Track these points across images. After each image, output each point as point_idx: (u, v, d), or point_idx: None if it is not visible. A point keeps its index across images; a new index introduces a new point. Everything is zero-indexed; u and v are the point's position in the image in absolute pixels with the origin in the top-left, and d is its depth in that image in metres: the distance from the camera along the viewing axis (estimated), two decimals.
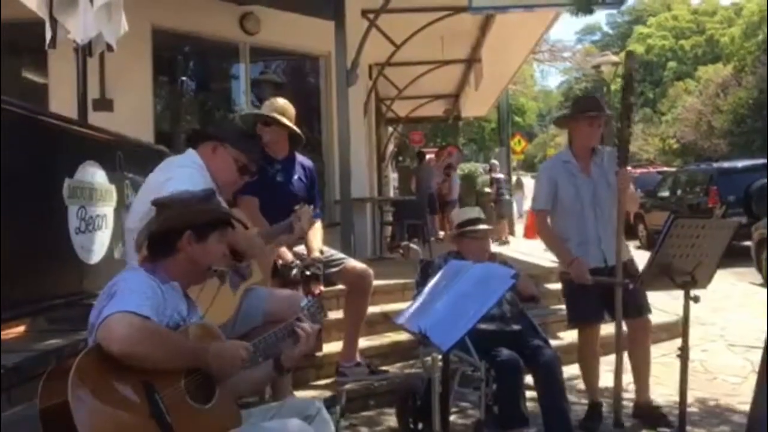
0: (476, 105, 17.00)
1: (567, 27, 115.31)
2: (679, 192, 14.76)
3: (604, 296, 4.06)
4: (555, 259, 5.16)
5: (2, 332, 3.19)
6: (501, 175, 16.09)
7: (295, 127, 4.27)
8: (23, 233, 3.02)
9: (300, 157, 4.47)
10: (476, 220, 4.08)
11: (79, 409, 1.84)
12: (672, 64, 46.64)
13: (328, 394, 4.32)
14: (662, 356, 5.23)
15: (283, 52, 8.66)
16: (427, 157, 16.07)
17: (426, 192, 12.82)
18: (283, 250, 3.99)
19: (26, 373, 2.73)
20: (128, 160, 3.94)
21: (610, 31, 61.48)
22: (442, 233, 12.06)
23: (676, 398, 3.44)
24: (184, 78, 8.48)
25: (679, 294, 3.41)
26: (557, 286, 5.13)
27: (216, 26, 7.55)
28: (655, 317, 6.01)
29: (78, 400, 1.85)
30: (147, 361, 1.99)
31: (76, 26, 4.07)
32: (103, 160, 3.71)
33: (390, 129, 16.72)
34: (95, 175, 3.64)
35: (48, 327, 3.39)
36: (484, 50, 10.82)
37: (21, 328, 3.38)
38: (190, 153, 3.13)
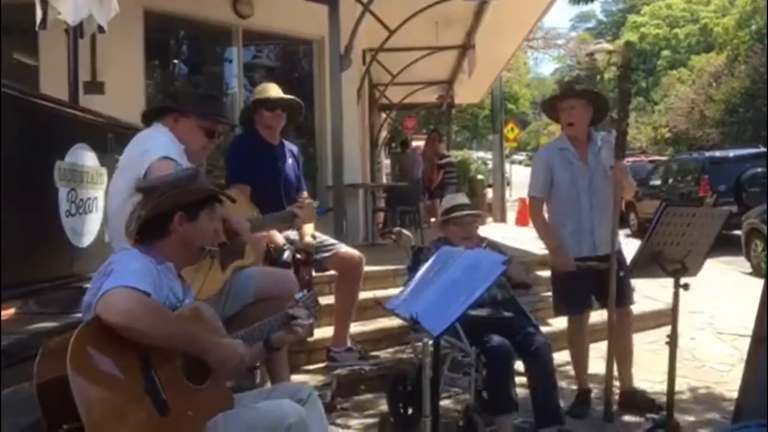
0: (470, 92, 16.97)
1: (561, 14, 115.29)
2: (670, 181, 14.82)
3: (592, 284, 4.08)
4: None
5: None
6: (449, 160, 15.62)
7: (297, 99, 4.40)
8: (14, 216, 3.01)
9: (287, 143, 4.50)
10: (461, 206, 4.07)
11: (76, 381, 1.85)
12: (666, 53, 46.58)
13: (319, 378, 4.35)
14: (650, 344, 5.27)
15: (276, 35, 8.60)
16: (414, 144, 15.96)
17: (414, 179, 12.77)
18: (274, 233, 3.99)
19: (16, 356, 2.72)
20: (119, 143, 3.91)
21: (605, 19, 61.36)
22: (433, 219, 12.05)
23: (664, 386, 3.46)
24: (176, 61, 8.42)
25: (667, 282, 3.43)
26: (548, 273, 5.14)
27: (208, 9, 7.48)
28: (644, 305, 6.08)
29: (76, 372, 1.86)
30: (146, 337, 2.00)
31: (67, 7, 4.02)
32: (94, 142, 3.69)
33: (383, 115, 16.66)
34: (86, 157, 3.62)
35: (38, 310, 3.38)
36: (478, 37, 10.78)
37: (10, 311, 3.37)
38: (156, 125, 3.13)
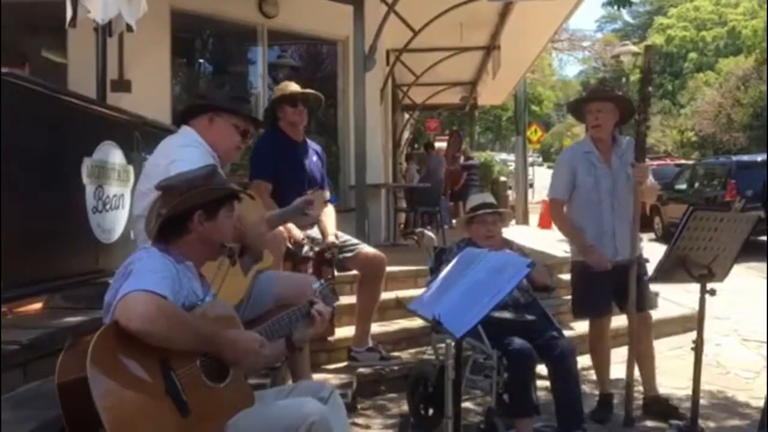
0: (493, 93, 16.89)
1: (587, 15, 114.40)
2: (696, 185, 14.64)
3: (611, 287, 4.04)
4: (568, 249, 5.14)
5: (19, 309, 3.24)
6: (472, 162, 15.53)
7: (318, 93, 4.44)
8: (42, 211, 3.05)
9: (310, 142, 4.52)
10: (484, 205, 4.06)
11: (97, 385, 1.86)
12: (692, 55, 45.99)
13: (340, 377, 4.35)
14: (674, 349, 5.22)
15: (300, 35, 8.63)
16: (436, 146, 15.96)
17: (437, 180, 12.77)
18: (292, 228, 4.00)
19: (42, 349, 2.76)
20: (145, 141, 3.96)
21: (631, 21, 60.74)
22: (455, 221, 12.03)
23: (688, 391, 3.42)
24: (201, 60, 8.49)
25: (692, 287, 3.39)
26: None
27: (234, 9, 7.53)
28: (669, 310, 6.02)
29: (96, 375, 1.87)
30: (164, 341, 2.00)
31: (97, 6, 4.07)
32: (121, 140, 3.73)
33: (406, 115, 16.65)
34: (113, 155, 3.67)
35: (64, 305, 3.42)
36: (502, 38, 10.73)
37: (37, 306, 3.42)
38: (186, 130, 3.04)
